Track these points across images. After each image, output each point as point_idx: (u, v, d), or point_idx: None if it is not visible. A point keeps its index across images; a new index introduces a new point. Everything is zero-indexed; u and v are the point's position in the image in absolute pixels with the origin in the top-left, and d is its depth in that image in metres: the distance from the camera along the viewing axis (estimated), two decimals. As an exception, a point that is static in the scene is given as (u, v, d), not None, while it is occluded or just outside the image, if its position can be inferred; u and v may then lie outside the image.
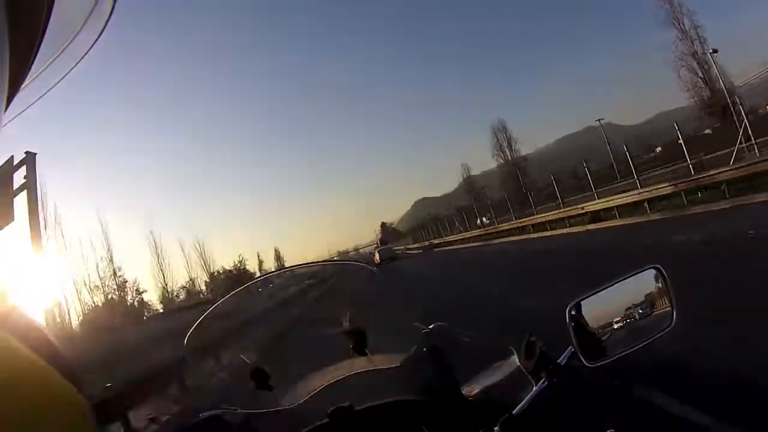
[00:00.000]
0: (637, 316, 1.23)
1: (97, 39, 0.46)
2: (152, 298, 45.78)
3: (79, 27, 0.44)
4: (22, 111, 0.45)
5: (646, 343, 1.20)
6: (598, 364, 1.17)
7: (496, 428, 1.15)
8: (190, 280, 50.08)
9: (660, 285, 1.25)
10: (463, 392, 1.36)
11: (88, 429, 0.38)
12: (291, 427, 1.42)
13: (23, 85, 0.41)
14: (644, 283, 1.25)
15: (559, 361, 1.18)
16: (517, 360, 1.28)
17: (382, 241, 76.47)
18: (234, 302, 1.80)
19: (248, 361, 1.50)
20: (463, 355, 1.47)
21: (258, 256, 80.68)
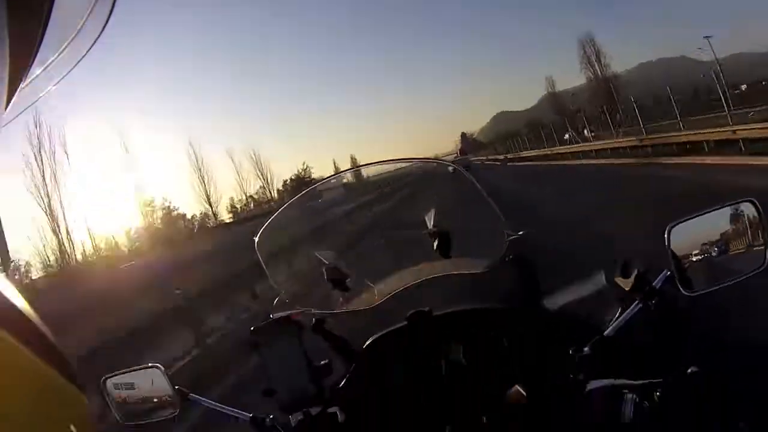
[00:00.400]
0: (730, 249, 1.16)
1: (97, 39, 0.45)
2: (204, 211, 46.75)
3: (79, 27, 0.44)
4: (22, 111, 0.45)
5: (739, 279, 1.14)
6: (694, 293, 1.13)
7: (585, 349, 1.13)
8: (261, 188, 49.95)
9: (755, 218, 1.17)
10: (546, 306, 1.34)
11: (88, 429, 0.38)
12: (367, 329, 1.42)
13: (23, 85, 0.41)
14: (738, 214, 1.18)
15: (654, 284, 1.13)
16: (604, 278, 1.25)
17: (462, 152, 74.55)
18: (308, 201, 1.77)
19: (325, 261, 1.44)
20: (550, 267, 1.41)
21: (334, 162, 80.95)
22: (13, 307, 0.34)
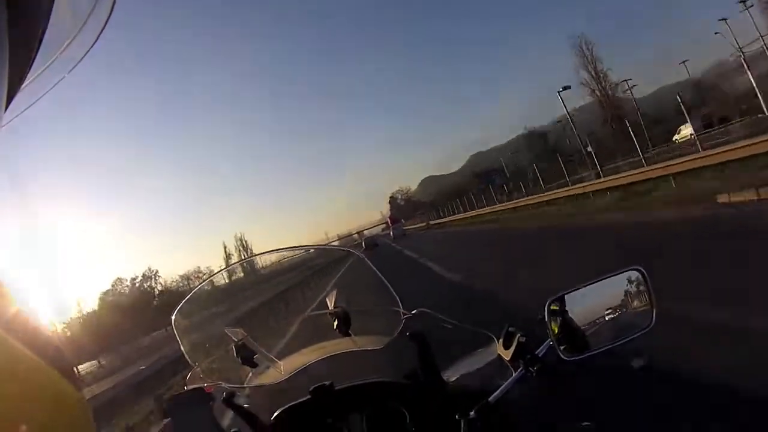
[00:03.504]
0: (618, 315, 1.25)
1: (97, 39, 0.45)
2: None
3: (80, 27, 0.44)
4: (22, 111, 0.44)
5: (623, 341, 1.22)
6: (574, 359, 1.20)
7: (471, 414, 1.19)
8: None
9: (641, 285, 1.27)
10: (443, 377, 1.39)
11: (87, 429, 0.38)
12: (273, 403, 1.45)
13: (23, 86, 0.41)
14: (626, 282, 1.27)
15: (537, 352, 1.21)
16: (497, 347, 1.32)
17: (393, 220, 68.52)
18: (221, 281, 1.82)
19: (234, 338, 1.51)
20: (445, 341, 1.50)
21: (224, 248, 76.75)
22: (12, 306, 0.34)
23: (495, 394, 1.22)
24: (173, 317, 1.56)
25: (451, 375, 1.41)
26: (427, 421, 1.33)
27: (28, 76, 0.41)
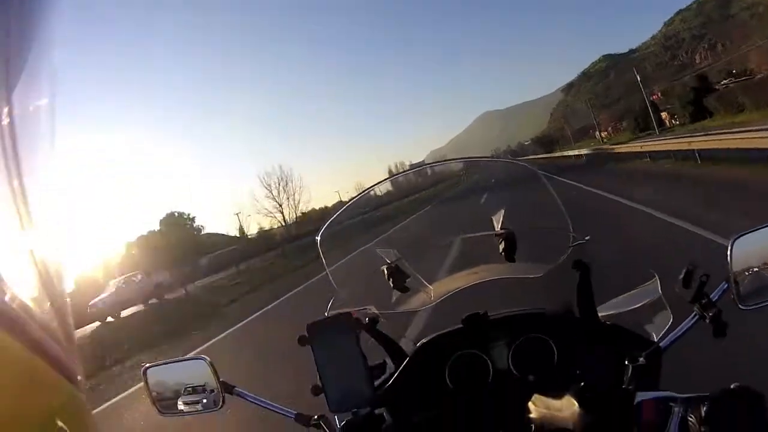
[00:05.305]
0: None
1: (95, 38, 0.42)
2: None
3: (77, 26, 0.40)
4: (21, 110, 0.43)
5: None
6: (752, 307, 1.05)
7: (641, 359, 1.06)
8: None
9: None
10: (604, 313, 1.29)
11: (86, 427, 0.38)
12: (421, 330, 1.42)
13: (22, 85, 0.40)
14: None
15: (711, 296, 1.08)
16: (659, 287, 1.20)
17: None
18: (367, 203, 1.78)
19: (386, 259, 1.42)
20: (608, 274, 1.36)
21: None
22: (9, 303, 0.33)
23: (667, 338, 1.12)
24: (318, 238, 1.50)
25: (613, 311, 1.31)
26: (588, 360, 1.21)
27: (26, 75, 0.40)
